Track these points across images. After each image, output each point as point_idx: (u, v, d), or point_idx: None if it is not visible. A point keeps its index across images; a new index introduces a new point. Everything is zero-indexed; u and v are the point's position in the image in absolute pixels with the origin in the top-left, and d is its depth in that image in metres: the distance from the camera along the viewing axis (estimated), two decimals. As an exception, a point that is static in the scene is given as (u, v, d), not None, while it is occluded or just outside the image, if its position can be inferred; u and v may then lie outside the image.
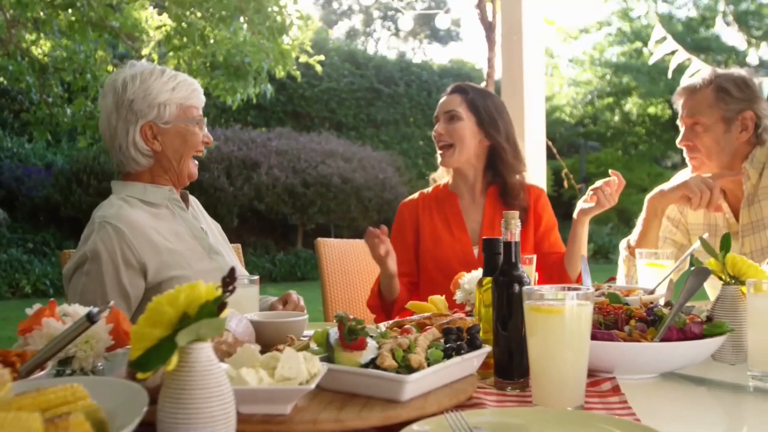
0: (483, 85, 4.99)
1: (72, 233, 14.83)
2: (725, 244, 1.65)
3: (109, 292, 2.03)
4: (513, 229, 1.40)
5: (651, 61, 5.89)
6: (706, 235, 2.18)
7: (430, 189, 2.91)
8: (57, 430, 0.79)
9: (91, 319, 1.11)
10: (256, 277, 1.86)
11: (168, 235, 2.16)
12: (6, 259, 12.84)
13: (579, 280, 2.56)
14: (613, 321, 1.51)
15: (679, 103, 2.70)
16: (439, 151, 2.75)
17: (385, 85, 23.16)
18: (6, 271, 12.52)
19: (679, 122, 2.70)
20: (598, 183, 2.52)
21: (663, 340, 1.42)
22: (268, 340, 1.54)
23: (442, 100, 2.81)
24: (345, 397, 1.21)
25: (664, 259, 2.28)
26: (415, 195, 2.91)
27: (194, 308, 0.92)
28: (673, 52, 5.77)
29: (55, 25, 6.75)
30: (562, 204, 15.37)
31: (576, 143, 24.64)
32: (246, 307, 1.71)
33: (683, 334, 1.43)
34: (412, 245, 2.78)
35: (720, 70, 2.65)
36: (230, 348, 1.22)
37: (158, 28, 7.74)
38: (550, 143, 4.69)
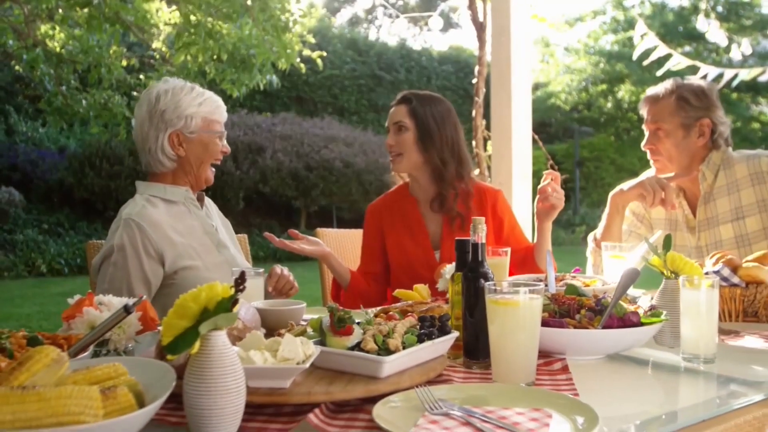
0: (473, 81, 5.15)
1: (85, 214, 15.01)
2: (667, 244, 1.84)
3: (133, 279, 2.25)
4: (480, 232, 1.60)
5: (634, 56, 6.04)
6: (659, 233, 2.36)
7: (396, 186, 2.97)
8: (108, 399, 0.99)
9: (127, 310, 1.32)
10: (261, 270, 2.07)
11: (183, 230, 2.38)
12: (22, 239, 13.01)
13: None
14: (566, 310, 1.71)
15: (644, 110, 2.88)
16: (390, 159, 2.84)
17: (386, 71, 23.23)
18: (22, 251, 12.70)
19: (644, 127, 2.88)
20: (543, 184, 2.57)
21: (605, 327, 1.62)
22: (271, 325, 1.74)
23: (391, 110, 2.84)
24: (334, 374, 1.39)
25: (626, 251, 2.47)
26: (380, 199, 2.99)
27: (212, 304, 1.11)
28: (655, 47, 5.93)
29: (72, 22, 6.89)
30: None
31: (570, 128, 24.73)
32: (253, 296, 1.92)
33: (623, 322, 1.63)
34: (379, 248, 2.89)
35: (681, 81, 2.83)
36: (240, 333, 1.42)
37: (167, 24, 7.89)
38: (536, 136, 4.85)
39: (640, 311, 1.71)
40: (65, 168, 15.19)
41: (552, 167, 5.68)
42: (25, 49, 7.59)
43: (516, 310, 1.43)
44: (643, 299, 1.90)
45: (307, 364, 1.27)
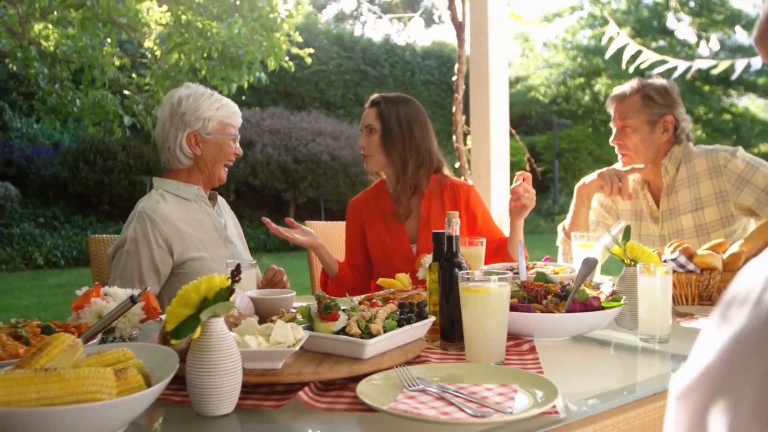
0: (454, 78, 5.23)
1: (79, 208, 14.98)
2: (626, 234, 1.95)
3: (144, 268, 2.37)
4: (454, 225, 1.70)
5: (607, 56, 6.14)
6: (621, 225, 2.46)
7: (374, 183, 3.05)
8: (120, 380, 1.08)
9: (133, 300, 1.40)
10: (254, 262, 2.17)
11: (192, 224, 2.50)
12: (19, 233, 12.99)
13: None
14: (534, 296, 1.81)
15: (611, 107, 2.98)
16: (362, 160, 2.92)
17: (371, 66, 23.25)
18: (19, 244, 12.68)
19: (611, 124, 2.98)
20: (515, 185, 2.65)
21: (569, 311, 1.72)
22: (263, 312, 1.83)
23: (364, 113, 2.90)
24: (322, 356, 1.48)
25: (593, 240, 2.58)
26: (360, 196, 3.07)
27: (212, 294, 1.20)
28: (626, 45, 6.02)
29: (66, 22, 6.91)
30: (536, 178, 15.63)
31: (550, 120, 24.82)
32: (246, 286, 2.01)
33: (585, 306, 1.73)
34: (360, 242, 2.97)
35: (645, 81, 2.93)
36: (236, 320, 1.50)
37: (158, 23, 7.90)
38: (513, 131, 4.94)
39: (602, 297, 1.82)
40: (60, 163, 15.13)
41: (529, 161, 5.79)
42: (20, 49, 7.59)
43: (487, 297, 1.52)
44: (606, 285, 2.01)
45: (297, 347, 1.36)
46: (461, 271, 1.59)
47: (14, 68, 8.89)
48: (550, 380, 1.31)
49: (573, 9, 24.18)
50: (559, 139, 23.23)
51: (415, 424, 1.15)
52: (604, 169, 2.94)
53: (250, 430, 1.19)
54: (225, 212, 2.75)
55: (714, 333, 0.54)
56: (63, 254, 12.77)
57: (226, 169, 2.64)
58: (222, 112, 2.56)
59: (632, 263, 1.92)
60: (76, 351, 1.16)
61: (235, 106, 2.63)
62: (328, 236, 3.49)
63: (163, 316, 1.69)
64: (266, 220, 2.60)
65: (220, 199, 2.75)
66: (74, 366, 1.12)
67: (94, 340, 1.44)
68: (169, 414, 1.27)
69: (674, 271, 2.01)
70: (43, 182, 15.03)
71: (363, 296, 2.07)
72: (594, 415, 1.25)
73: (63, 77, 7.81)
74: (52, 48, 7.76)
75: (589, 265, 1.79)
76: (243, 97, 19.24)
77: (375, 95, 2.92)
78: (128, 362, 1.20)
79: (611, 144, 2.96)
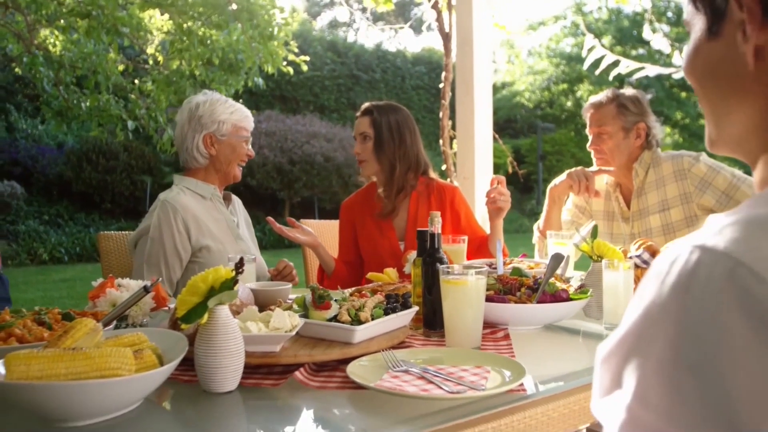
0: (441, 85, 5.33)
1: (83, 206, 15.02)
2: (594, 233, 2.05)
3: (168, 252, 2.48)
4: (436, 224, 1.80)
5: (585, 67, 6.25)
6: (590, 224, 2.55)
7: (365, 185, 3.13)
8: (137, 359, 1.18)
9: (147, 290, 1.50)
10: (254, 257, 2.27)
11: (208, 217, 2.61)
12: (24, 230, 13.03)
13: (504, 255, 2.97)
14: (509, 288, 1.91)
15: (588, 114, 3.08)
16: (358, 165, 3.00)
17: (364, 71, 23.34)
18: (25, 240, 12.72)
19: (588, 131, 3.08)
20: (491, 188, 2.73)
21: (540, 302, 1.83)
22: (262, 302, 1.92)
23: (357, 121, 2.97)
24: (316, 341, 1.58)
25: (567, 238, 2.68)
26: (352, 197, 3.15)
27: (218, 284, 1.30)
28: (603, 57, 6.14)
29: (72, 30, 6.97)
30: (521, 178, 15.78)
31: (534, 124, 24.98)
32: (246, 278, 2.10)
33: (554, 298, 1.83)
34: (352, 239, 3.06)
35: (618, 91, 3.03)
36: (239, 308, 1.60)
37: (159, 30, 7.97)
38: (496, 135, 5.05)
39: (571, 289, 1.92)
40: (64, 163, 15.17)
41: (512, 164, 5.90)
42: (27, 54, 7.63)
43: (465, 288, 1.62)
44: (575, 279, 2.11)
45: (294, 333, 1.46)
46: (442, 266, 1.69)
47: (20, 72, 8.93)
48: (521, 363, 1.41)
49: (556, 18, 24.36)
50: (542, 142, 23.39)
51: (398, 399, 1.25)
52: (573, 169, 3.05)
53: (252, 405, 1.29)
54: (239, 211, 2.85)
55: (632, 306, 0.64)
56: (67, 250, 12.81)
57: (240, 169, 2.74)
58: (236, 116, 2.67)
59: (599, 259, 2.02)
60: (96, 334, 1.26)
61: (247, 111, 2.74)
62: (322, 234, 3.56)
63: (171, 305, 1.79)
64: (270, 219, 2.68)
65: (235, 199, 2.86)
66: (96, 347, 1.21)
67: (110, 326, 1.53)
68: (178, 391, 1.36)
69: (639, 267, 2.12)
70: (47, 181, 15.06)
71: (353, 288, 2.17)
72: (558, 393, 1.35)
73: (68, 81, 7.86)
74: (57, 53, 7.81)
75: (557, 260, 1.90)
76: (240, 101, 19.33)
77: (366, 104, 2.99)
78: (143, 344, 1.30)
79: (588, 149, 3.07)
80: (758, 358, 0.53)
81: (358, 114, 3.01)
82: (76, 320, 1.25)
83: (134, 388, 1.13)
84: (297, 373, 1.39)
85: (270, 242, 14.54)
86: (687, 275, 0.58)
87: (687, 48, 0.83)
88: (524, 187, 20.58)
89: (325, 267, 2.98)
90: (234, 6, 7.25)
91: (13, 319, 1.47)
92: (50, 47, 7.94)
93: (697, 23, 0.79)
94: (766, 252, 0.56)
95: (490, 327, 1.85)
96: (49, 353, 1.10)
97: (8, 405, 1.21)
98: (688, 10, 0.80)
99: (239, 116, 2.69)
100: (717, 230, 0.60)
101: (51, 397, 1.05)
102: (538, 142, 23.34)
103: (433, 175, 3.03)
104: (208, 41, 7.30)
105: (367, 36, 31.53)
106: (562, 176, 3.03)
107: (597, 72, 5.86)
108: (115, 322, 1.60)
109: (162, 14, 8.18)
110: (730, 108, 0.77)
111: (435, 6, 5.16)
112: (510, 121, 25.12)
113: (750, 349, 0.53)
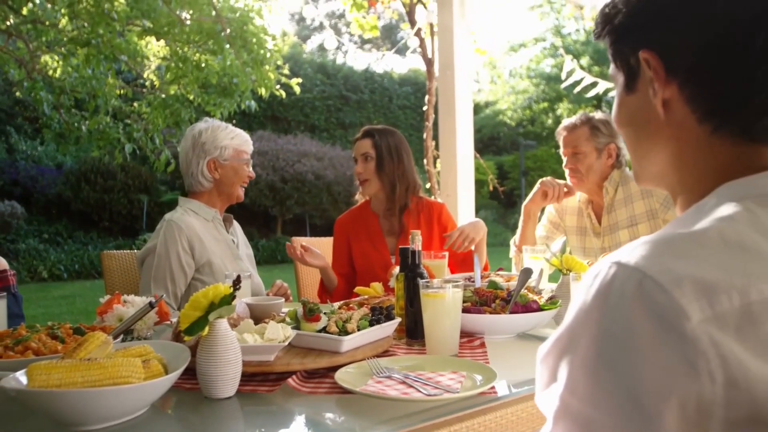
0: (425, 108, 5.46)
1: (81, 225, 15.02)
2: (563, 249, 2.16)
3: (174, 268, 2.56)
4: (417, 242, 1.90)
5: (563, 86, 6.40)
6: (561, 240, 2.64)
7: (359, 203, 3.22)
8: (145, 368, 1.27)
9: (152, 306, 1.59)
10: (248, 274, 2.35)
11: (209, 237, 2.70)
12: (24, 248, 13.02)
13: (484, 269, 3.08)
14: (485, 300, 2.01)
15: (561, 136, 3.19)
16: (358, 185, 3.10)
17: (353, 92, 23.48)
18: (25, 258, 12.70)
19: (562, 152, 3.19)
20: (449, 243, 2.84)
21: (512, 313, 1.92)
22: (257, 315, 2.01)
23: (357, 143, 3.08)
24: (307, 350, 1.66)
25: (541, 253, 2.78)
26: (346, 214, 3.25)
27: (217, 299, 1.39)
28: (581, 79, 6.29)
29: (72, 55, 7.06)
30: (504, 194, 15.94)
31: (516, 142, 25.20)
32: (243, 294, 2.19)
33: (525, 308, 1.93)
34: (347, 254, 3.17)
35: (590, 114, 3.15)
36: (236, 321, 1.68)
37: (155, 56, 8.07)
38: (477, 155, 5.17)
39: (542, 300, 2.02)
40: (63, 183, 15.20)
41: (492, 181, 6.02)
42: (28, 79, 7.71)
43: (443, 301, 1.72)
44: (546, 291, 2.21)
45: (286, 343, 1.54)
46: (422, 280, 1.78)
47: (21, 96, 8.99)
48: (494, 368, 1.50)
49: (536, 40, 24.67)
50: (525, 158, 23.58)
51: (381, 402, 1.34)
52: (544, 178, 3.16)
53: (249, 410, 1.37)
54: (238, 234, 2.94)
55: (567, 312, 0.75)
56: (66, 268, 12.81)
57: (243, 189, 2.84)
58: (236, 141, 2.76)
59: (567, 272, 2.13)
60: (107, 346, 1.35)
61: (246, 136, 2.84)
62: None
63: (173, 319, 1.87)
64: (290, 246, 2.84)
65: (236, 224, 2.95)
66: (108, 358, 1.30)
67: (117, 339, 1.62)
68: (181, 398, 1.45)
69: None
70: (47, 201, 15.07)
71: (342, 302, 2.26)
72: (526, 395, 1.44)
73: (68, 105, 7.94)
74: (58, 76, 7.89)
75: (526, 274, 2.00)
76: (234, 122, 19.44)
77: (366, 127, 3.11)
78: (149, 355, 1.38)
79: (564, 169, 3.17)
80: (660, 352, 0.64)
81: (357, 137, 3.11)
82: (89, 334, 1.34)
83: (143, 394, 1.22)
84: (290, 380, 1.47)
85: (263, 258, 14.59)
86: (605, 286, 0.70)
87: (615, 100, 0.95)
88: (508, 202, 20.74)
89: (328, 284, 3.08)
90: (228, 30, 7.37)
91: (29, 334, 1.55)
92: (50, 72, 8.03)
93: (619, 79, 0.91)
94: (668, 266, 0.67)
95: (468, 336, 1.94)
96: (66, 364, 1.18)
97: (27, 412, 1.30)
98: (611, 67, 0.92)
99: (240, 141, 2.78)
100: (632, 249, 0.71)
101: (69, 403, 1.14)
102: (521, 158, 23.53)
103: (421, 193, 3.15)
104: (203, 65, 7.41)
105: (355, 58, 31.74)
106: (535, 188, 3.13)
107: (576, 91, 6.01)
108: (121, 336, 1.69)
109: (158, 40, 8.29)
110: (648, 150, 0.89)
111: (418, 33, 5.29)
112: (494, 138, 25.34)
113: (654, 345, 0.64)
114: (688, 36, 0.80)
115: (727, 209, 0.75)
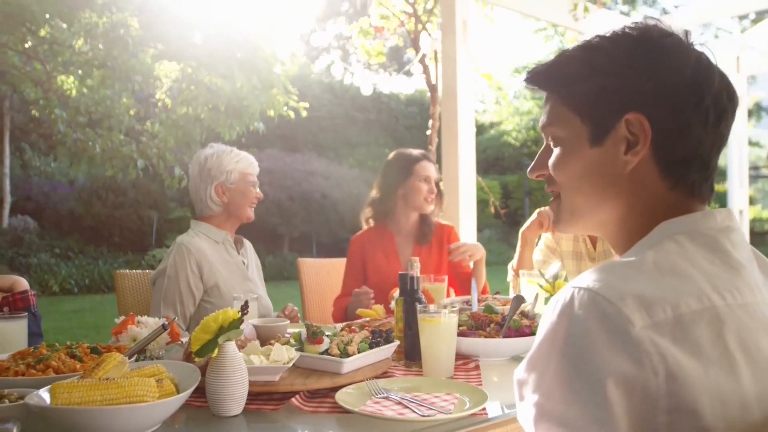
0: (428, 132, 5.55)
1: (92, 240, 15.14)
2: (557, 274, 2.23)
3: (183, 290, 2.64)
4: (415, 269, 1.98)
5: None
6: (556, 266, 2.71)
7: (372, 224, 3.33)
8: (159, 387, 1.34)
9: (165, 328, 1.67)
10: (256, 296, 2.43)
11: (218, 260, 2.78)
12: (36, 262, 13.15)
13: (484, 291, 3.16)
14: (480, 324, 2.08)
15: None
16: (428, 201, 3.25)
17: (360, 112, 23.67)
18: (36, 272, 12.81)
19: None
20: (453, 255, 3.08)
21: (505, 337, 2.00)
22: (263, 336, 2.09)
23: (426, 165, 3.24)
24: (309, 371, 1.72)
25: (537, 277, 2.85)
26: (362, 233, 3.35)
27: (226, 323, 1.47)
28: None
29: (87, 76, 7.22)
30: (509, 213, 16.01)
31: (521, 162, 25.28)
32: (250, 316, 2.26)
33: (518, 333, 2.01)
34: (361, 270, 3.27)
35: None
36: (243, 343, 1.76)
37: (167, 77, 8.22)
38: (479, 178, 5.25)
39: (534, 325, 2.09)
40: (75, 199, 15.37)
41: (494, 204, 6.09)
42: (44, 98, 7.86)
43: (439, 325, 1.79)
44: (540, 315, 2.28)
45: (290, 364, 1.61)
46: (420, 305, 1.86)
47: (37, 114, 9.13)
48: (486, 391, 1.58)
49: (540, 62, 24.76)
50: (528, 179, 23.61)
51: (378, 421, 1.42)
52: (542, 208, 3.25)
53: (254, 427, 1.45)
54: (249, 254, 3.00)
55: (538, 333, 0.87)
56: (76, 282, 12.91)
57: (252, 210, 2.91)
58: (241, 164, 2.83)
59: (560, 298, 2.19)
60: (123, 366, 1.43)
61: (251, 158, 2.91)
62: (318, 271, 3.70)
63: (183, 340, 1.95)
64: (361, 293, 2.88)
65: (247, 243, 3.02)
66: (124, 377, 1.38)
67: (132, 359, 1.70)
68: (190, 415, 1.52)
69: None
70: (59, 216, 15.23)
71: (344, 324, 2.34)
72: (516, 416, 1.51)
73: (82, 123, 8.08)
74: (73, 95, 8.04)
75: (518, 300, 2.07)
76: (243, 140, 19.63)
77: (421, 151, 3.33)
78: (161, 375, 1.46)
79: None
80: (612, 353, 0.78)
81: (421, 159, 3.25)
82: (105, 354, 1.42)
83: (157, 412, 1.30)
84: (293, 399, 1.54)
85: (269, 275, 14.64)
86: (567, 306, 0.83)
87: (558, 153, 1.03)
88: (512, 221, 20.81)
89: (352, 311, 3.12)
90: (239, 55, 7.51)
91: (50, 353, 1.63)
92: (67, 92, 8.19)
93: (574, 131, 0.98)
94: (614, 286, 0.82)
95: (464, 359, 2.01)
96: (87, 383, 1.26)
97: (49, 427, 1.38)
98: (564, 120, 1.00)
99: (245, 164, 2.85)
100: (585, 276, 0.85)
101: (89, 419, 1.22)
102: (525, 178, 23.62)
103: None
104: (214, 88, 7.55)
105: (363, 79, 31.95)
106: (533, 216, 3.21)
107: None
108: (135, 356, 1.77)
109: (170, 62, 8.44)
110: (603, 201, 0.98)
111: (422, 60, 5.40)
112: (498, 158, 25.46)
113: (608, 347, 0.78)
114: (673, 105, 0.92)
115: (662, 243, 0.90)
